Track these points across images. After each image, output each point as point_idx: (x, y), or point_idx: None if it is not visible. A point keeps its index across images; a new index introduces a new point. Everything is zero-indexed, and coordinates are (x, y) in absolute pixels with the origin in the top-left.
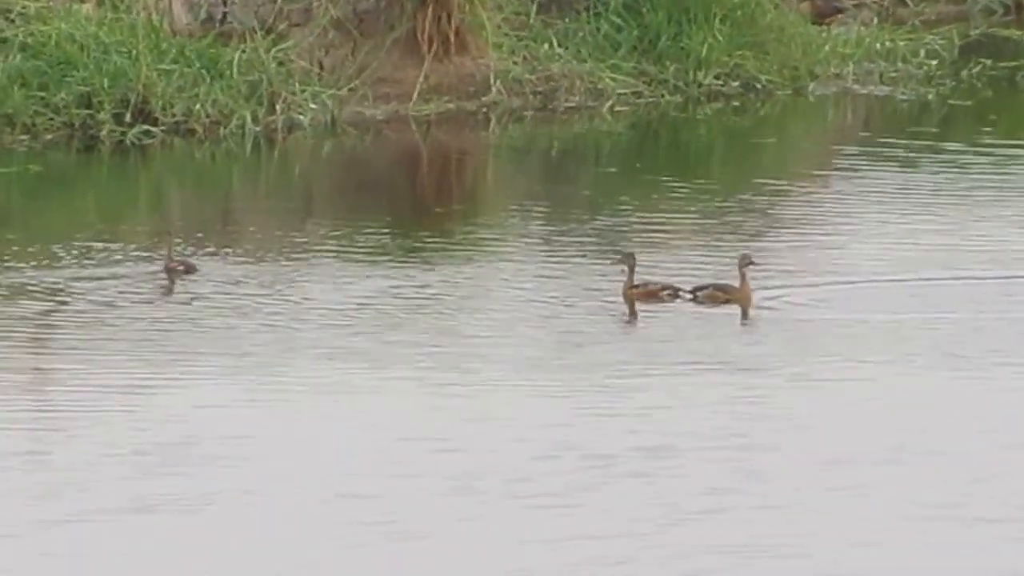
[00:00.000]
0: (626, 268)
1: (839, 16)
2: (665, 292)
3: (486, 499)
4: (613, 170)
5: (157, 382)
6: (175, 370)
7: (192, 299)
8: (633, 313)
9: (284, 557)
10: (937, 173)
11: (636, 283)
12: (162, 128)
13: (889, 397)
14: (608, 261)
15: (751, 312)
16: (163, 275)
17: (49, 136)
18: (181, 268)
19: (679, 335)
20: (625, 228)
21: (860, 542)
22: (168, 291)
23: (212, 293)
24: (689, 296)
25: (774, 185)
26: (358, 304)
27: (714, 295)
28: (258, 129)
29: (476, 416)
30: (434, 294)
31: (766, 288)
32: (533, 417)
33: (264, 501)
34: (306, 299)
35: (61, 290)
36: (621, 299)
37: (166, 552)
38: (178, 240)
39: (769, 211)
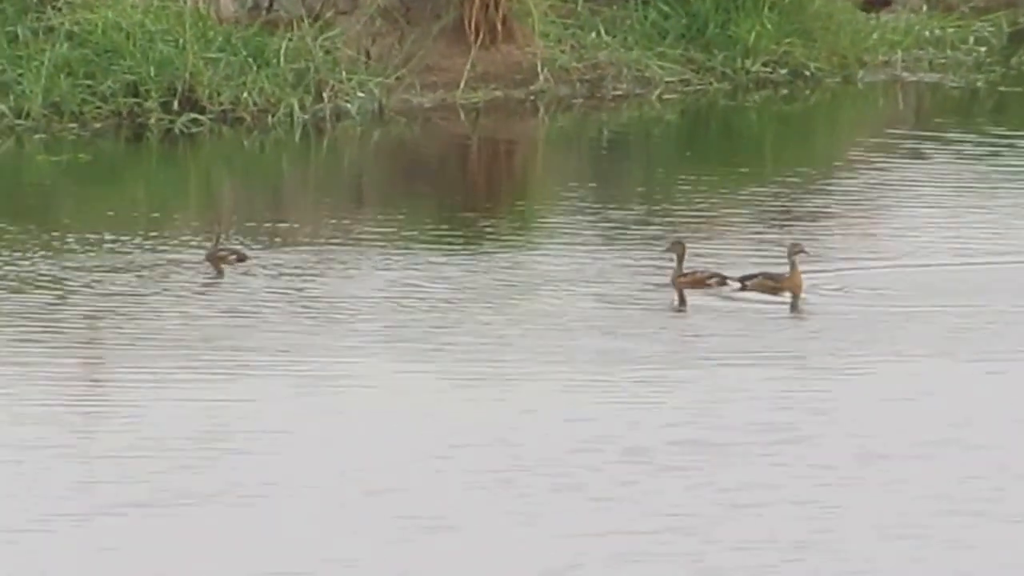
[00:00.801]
0: (675, 256)
1: (888, 3)
2: (712, 280)
3: (528, 492)
4: (662, 158)
5: (199, 374)
6: (217, 361)
7: (238, 289)
8: (682, 301)
9: (323, 551)
10: (987, 160)
11: (685, 271)
12: (210, 117)
13: (931, 390)
14: (658, 249)
15: (801, 300)
16: (208, 264)
17: (97, 125)
18: (233, 257)
19: (725, 326)
20: (675, 216)
21: (896, 536)
22: (213, 280)
23: (259, 282)
24: (737, 285)
25: (824, 173)
26: (404, 295)
27: (764, 284)
28: (306, 117)
29: (520, 408)
30: (482, 284)
31: (816, 273)
32: (575, 410)
33: (307, 494)
34: (353, 289)
35: (105, 280)
36: (671, 287)
37: (202, 545)
38: (224, 229)
39: (819, 198)
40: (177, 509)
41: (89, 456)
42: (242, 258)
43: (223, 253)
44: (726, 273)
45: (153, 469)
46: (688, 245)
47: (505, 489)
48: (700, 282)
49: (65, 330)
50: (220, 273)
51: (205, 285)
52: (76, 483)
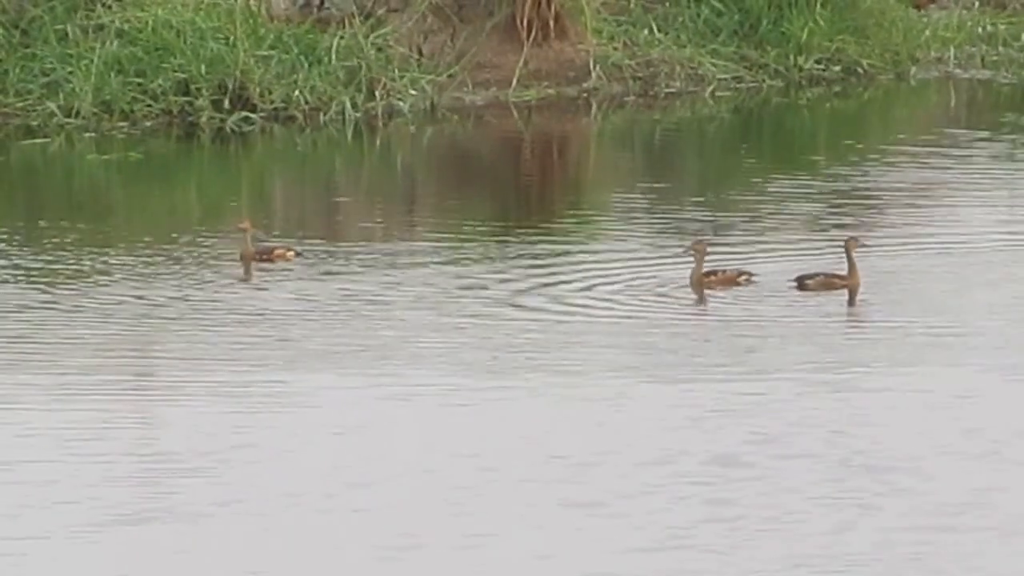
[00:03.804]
0: (695, 255)
1: (939, 0)
2: (742, 278)
3: (551, 503)
4: (716, 155)
5: (217, 379)
6: (239, 366)
7: (260, 289)
8: (702, 301)
9: (330, 563)
10: None
11: (712, 270)
12: (261, 115)
13: (956, 400)
14: (681, 249)
15: (859, 298)
16: (240, 263)
17: (148, 123)
18: (266, 257)
19: (768, 331)
20: (729, 213)
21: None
22: (245, 279)
23: (288, 281)
24: (794, 284)
25: (877, 169)
26: (452, 299)
27: (825, 282)
28: (358, 115)
29: (551, 417)
30: (527, 287)
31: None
32: (604, 417)
33: (320, 503)
34: (399, 294)
35: (145, 280)
36: (690, 287)
37: (213, 556)
38: (264, 229)
39: (872, 195)
40: (179, 524)
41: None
42: (278, 257)
43: (255, 252)
44: (754, 270)
45: (145, 479)
46: (733, 243)
47: (532, 500)
48: (730, 280)
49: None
50: (248, 273)
51: (225, 289)
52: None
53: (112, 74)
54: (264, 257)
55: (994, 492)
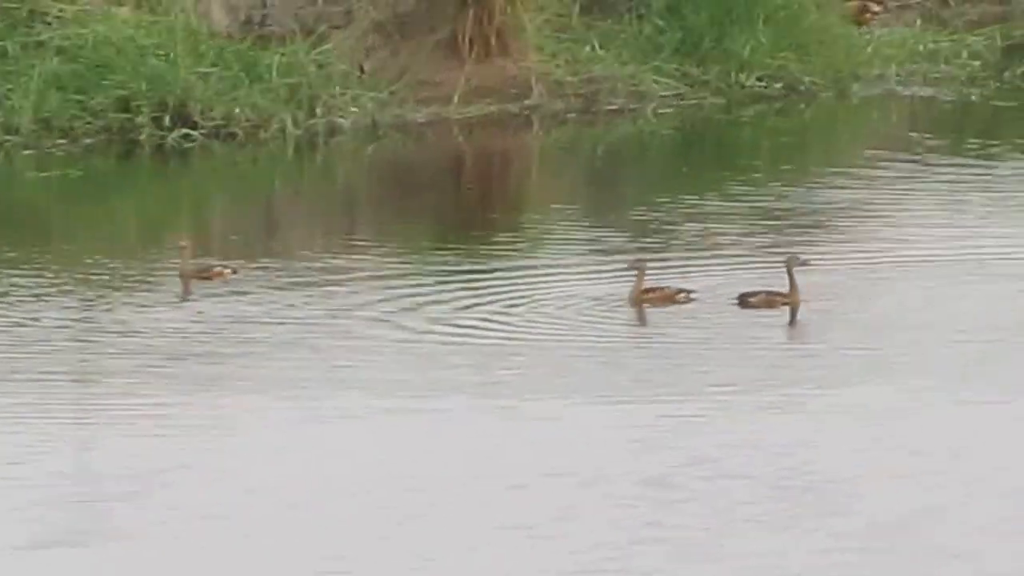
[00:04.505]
0: (636, 273)
1: (879, 16)
2: (681, 295)
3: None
4: (657, 172)
5: (152, 400)
6: (173, 387)
7: (198, 311)
8: (642, 319)
9: None
10: (979, 174)
11: (651, 288)
12: (202, 132)
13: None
14: (624, 266)
15: (800, 316)
16: (180, 280)
17: (88, 140)
18: (206, 274)
19: (707, 350)
20: (670, 231)
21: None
22: (183, 297)
23: (224, 301)
24: (735, 302)
25: (819, 187)
26: (389, 317)
27: (767, 300)
28: (299, 132)
29: (495, 434)
30: (465, 305)
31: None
32: (537, 438)
33: (252, 526)
34: (336, 313)
35: (83, 299)
36: (630, 305)
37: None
38: (195, 246)
39: (813, 212)
40: (101, 546)
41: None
42: (216, 275)
43: (192, 270)
44: (694, 288)
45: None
46: (677, 260)
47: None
48: (669, 298)
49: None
50: (187, 291)
51: (172, 303)
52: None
53: (52, 91)
54: (203, 275)
55: (927, 512)
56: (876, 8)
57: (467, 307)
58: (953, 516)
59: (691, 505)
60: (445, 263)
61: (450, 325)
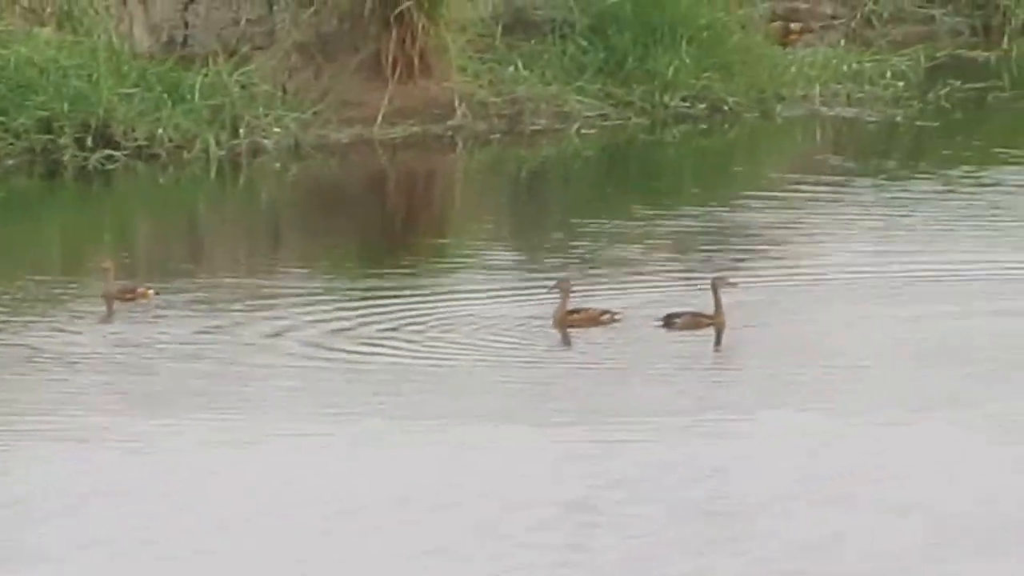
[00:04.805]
0: (560, 294)
1: (803, 36)
2: (605, 316)
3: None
4: (581, 193)
5: (75, 423)
6: (95, 409)
7: (116, 333)
8: (566, 340)
9: None
10: (903, 194)
11: (575, 309)
12: (124, 153)
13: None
14: (547, 288)
15: (725, 337)
16: (103, 302)
17: (10, 161)
18: (129, 295)
19: (632, 371)
20: (593, 251)
21: None
22: (105, 319)
23: (146, 323)
24: (660, 324)
25: (744, 207)
26: (311, 339)
27: (692, 322)
28: (222, 153)
29: (430, 462)
30: (388, 327)
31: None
32: (468, 465)
33: (171, 549)
34: (256, 334)
35: (4, 321)
36: (554, 326)
37: None
38: (117, 267)
39: (737, 233)
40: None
41: None
42: (140, 296)
43: (115, 292)
44: (619, 309)
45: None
46: (602, 280)
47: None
48: (594, 319)
49: None
50: (111, 312)
51: (94, 324)
52: None
53: None
54: (126, 296)
55: (847, 536)
56: (797, 29)
57: (390, 328)
58: (872, 540)
59: (613, 528)
60: (369, 285)
61: (372, 346)
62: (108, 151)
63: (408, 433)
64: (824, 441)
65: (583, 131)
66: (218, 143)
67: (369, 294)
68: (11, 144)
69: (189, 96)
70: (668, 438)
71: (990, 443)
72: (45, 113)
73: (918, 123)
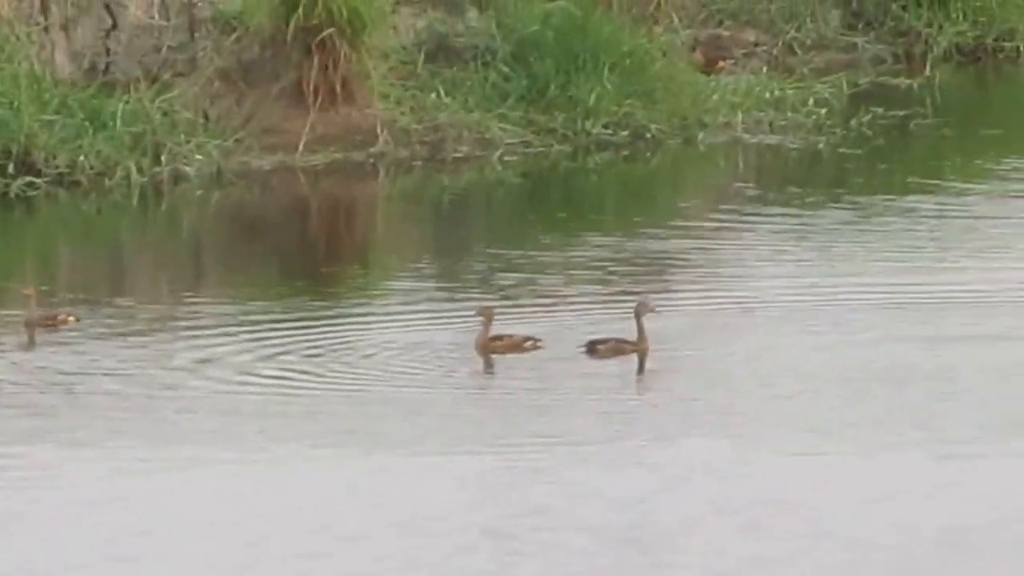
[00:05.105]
0: (483, 321)
1: (726, 63)
2: (528, 343)
3: None
4: (503, 220)
5: None
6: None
7: (32, 361)
8: (489, 366)
9: None
10: (826, 221)
11: (496, 335)
12: (46, 180)
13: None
14: (472, 313)
15: (648, 363)
16: (24, 329)
17: None
18: (51, 323)
19: (553, 399)
20: (516, 279)
21: None
22: (26, 347)
23: (67, 351)
24: (584, 350)
25: (666, 234)
26: (227, 366)
27: (616, 348)
28: (144, 180)
29: (350, 492)
30: (307, 353)
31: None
32: (384, 493)
33: None
34: (174, 361)
35: None
36: (476, 352)
37: None
38: (37, 294)
39: (659, 260)
40: None
41: None
42: (60, 323)
43: (42, 318)
44: (542, 335)
45: None
46: (525, 307)
47: None
48: (517, 346)
49: None
50: (31, 340)
51: (13, 351)
52: None
53: None
54: (48, 323)
55: (763, 564)
56: (722, 63)
57: (312, 355)
58: (790, 568)
59: (532, 555)
60: (290, 312)
61: (293, 373)
62: (29, 178)
63: (325, 460)
64: (743, 468)
65: (505, 158)
66: (140, 170)
67: (290, 321)
68: None
69: (111, 123)
70: (588, 465)
71: (908, 471)
72: None
73: (840, 150)
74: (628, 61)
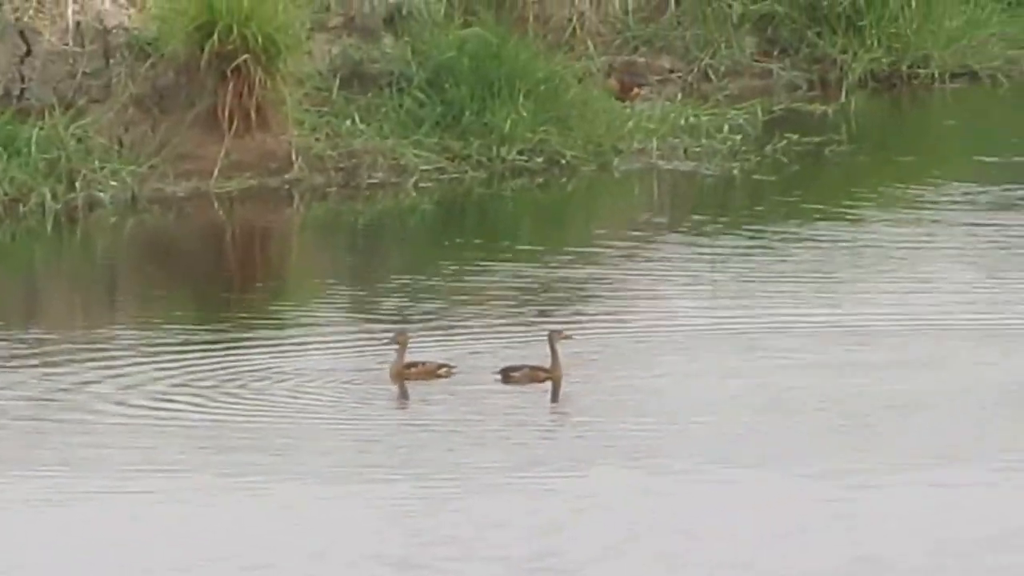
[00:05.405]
0: (398, 347)
1: (641, 90)
2: (443, 370)
3: None
4: (418, 246)
5: None
6: None
7: None
8: (403, 394)
9: None
10: (738, 247)
11: (412, 362)
12: None
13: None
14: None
15: (563, 390)
16: None
17: None
18: None
19: (467, 426)
20: (431, 306)
21: None
22: None
23: None
24: (498, 377)
25: (581, 261)
26: (136, 393)
27: (530, 375)
28: (58, 207)
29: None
30: (218, 381)
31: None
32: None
33: None
34: (93, 389)
35: None
36: (390, 379)
37: None
38: None
39: (578, 287)
40: None
41: None
42: None
43: None
44: (456, 362)
45: None
46: (440, 334)
47: None
48: (431, 372)
49: None
50: None
51: None
52: None
53: None
54: None
55: None
56: (637, 90)
57: (225, 382)
58: None
59: None
60: (203, 339)
61: (207, 401)
62: None
63: (237, 488)
64: (657, 498)
65: (420, 185)
66: (54, 196)
67: (204, 348)
68: None
69: (25, 149)
70: (501, 494)
71: (821, 500)
72: None
73: (755, 177)
74: (543, 88)
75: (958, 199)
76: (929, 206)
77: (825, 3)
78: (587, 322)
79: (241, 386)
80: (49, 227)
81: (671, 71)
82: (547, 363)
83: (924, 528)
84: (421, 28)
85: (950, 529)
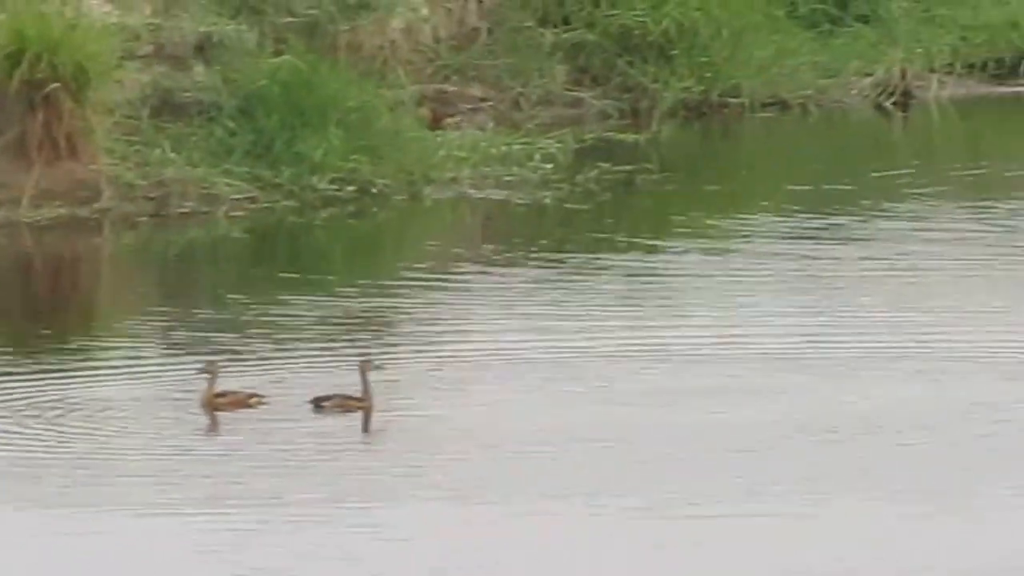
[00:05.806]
0: (209, 377)
1: (452, 119)
2: (253, 399)
3: None
4: (228, 276)
5: None
6: None
7: None
8: (213, 423)
9: None
10: (551, 276)
11: (222, 392)
12: None
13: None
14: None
15: (374, 420)
16: None
17: None
18: None
19: (278, 456)
20: (240, 335)
21: None
22: None
23: None
24: (310, 406)
25: (392, 290)
26: None
27: (342, 404)
28: None
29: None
30: (36, 410)
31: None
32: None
33: None
34: None
35: None
36: (201, 409)
37: None
38: None
39: (388, 317)
40: None
41: None
42: None
43: None
44: (267, 392)
45: None
46: (251, 363)
47: None
48: (241, 402)
49: None
50: None
51: None
52: None
53: None
54: None
55: None
56: (449, 119)
57: (33, 414)
58: None
59: None
60: (9, 368)
61: (11, 431)
62: None
63: (46, 520)
64: (468, 530)
65: (231, 214)
66: None
67: (12, 378)
68: None
69: None
70: (313, 525)
71: (631, 531)
72: None
73: (567, 206)
74: (355, 116)
75: (766, 228)
76: (737, 235)
77: (636, 32)
78: (398, 352)
79: (48, 417)
80: None
81: (483, 100)
82: (358, 393)
83: (737, 558)
84: (232, 57)
85: (762, 560)
